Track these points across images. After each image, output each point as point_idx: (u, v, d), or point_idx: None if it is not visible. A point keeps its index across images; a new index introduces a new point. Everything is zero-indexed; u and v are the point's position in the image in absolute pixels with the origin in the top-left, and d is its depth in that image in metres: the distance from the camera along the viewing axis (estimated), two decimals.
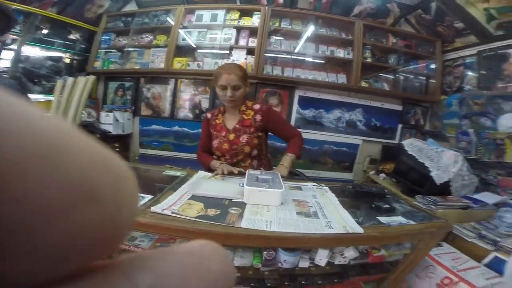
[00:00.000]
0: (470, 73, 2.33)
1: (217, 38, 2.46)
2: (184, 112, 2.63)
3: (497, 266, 1.31)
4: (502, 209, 1.63)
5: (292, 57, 2.51)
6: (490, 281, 1.24)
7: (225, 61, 2.43)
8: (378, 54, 2.56)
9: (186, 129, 2.63)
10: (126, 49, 2.64)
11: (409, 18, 2.61)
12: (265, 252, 0.94)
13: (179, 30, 2.47)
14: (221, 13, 2.47)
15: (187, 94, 2.60)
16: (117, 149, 2.53)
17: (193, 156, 2.57)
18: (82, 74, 2.55)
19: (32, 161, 0.07)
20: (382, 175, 2.38)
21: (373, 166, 2.65)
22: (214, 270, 0.11)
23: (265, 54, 2.39)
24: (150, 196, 0.96)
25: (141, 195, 0.96)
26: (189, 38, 2.49)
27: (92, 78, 2.49)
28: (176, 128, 2.63)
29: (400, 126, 2.74)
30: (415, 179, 1.95)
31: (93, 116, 2.57)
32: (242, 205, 0.94)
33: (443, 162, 1.92)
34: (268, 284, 1.03)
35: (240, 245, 0.97)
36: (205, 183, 1.13)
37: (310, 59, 2.52)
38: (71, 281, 0.09)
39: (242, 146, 1.42)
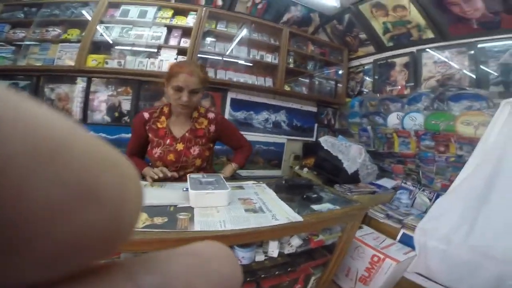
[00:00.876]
0: (368, 78, 2.81)
1: (143, 36, 2.25)
2: (100, 115, 2.30)
3: (407, 241, 1.64)
4: (399, 192, 2.04)
5: (225, 59, 2.52)
6: (407, 255, 1.55)
7: (165, 60, 2.25)
8: (298, 60, 2.84)
9: (103, 134, 2.30)
10: (24, 43, 2.16)
11: (326, 28, 2.97)
12: None
13: (99, 25, 2.17)
14: (151, 10, 2.27)
15: (103, 95, 2.28)
16: None
17: None
18: None
19: (34, 159, 0.07)
20: (305, 169, 2.67)
21: (297, 162, 2.94)
22: (219, 271, 0.11)
23: (198, 55, 2.32)
24: None
25: None
26: (109, 33, 2.20)
27: None
28: (91, 133, 2.28)
29: (316, 125, 3.12)
30: (331, 171, 2.28)
31: None
32: (189, 210, 0.92)
33: (351, 154, 2.31)
34: None
35: None
36: (150, 191, 1.05)
37: (242, 62, 2.59)
38: (75, 281, 0.09)
39: (192, 159, 1.28)
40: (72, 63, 2.12)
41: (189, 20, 2.34)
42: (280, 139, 2.92)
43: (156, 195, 1.03)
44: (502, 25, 1.72)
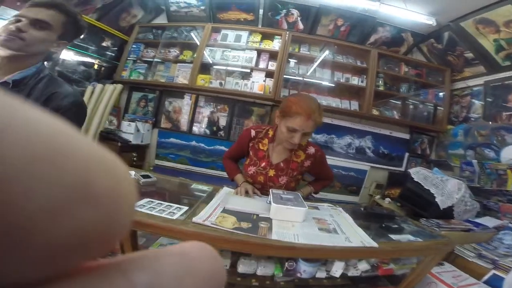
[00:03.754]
0: (477, 102, 2.43)
1: (239, 59, 2.60)
2: (202, 128, 2.77)
3: (495, 283, 1.38)
4: (502, 232, 1.72)
5: (308, 81, 2.67)
6: None
7: (255, 81, 2.52)
8: (389, 82, 2.72)
9: (202, 145, 2.76)
10: (154, 61, 2.77)
11: (421, 47, 2.76)
12: (286, 263, 1.03)
13: (206, 48, 2.62)
14: (244, 34, 2.62)
15: (207, 111, 2.75)
16: (134, 158, 2.66)
17: (209, 171, 2.71)
18: (109, 81, 2.66)
19: (28, 161, 0.07)
20: (388, 199, 2.47)
21: (379, 191, 2.74)
22: (206, 270, 0.12)
23: (284, 76, 2.52)
24: (186, 207, 1.06)
25: (178, 206, 1.07)
26: (213, 56, 2.64)
27: (119, 86, 2.67)
28: (194, 143, 2.76)
29: (407, 154, 2.86)
30: (419, 204, 2.05)
31: (114, 124, 2.72)
32: (268, 220, 1.05)
33: (447, 189, 2.03)
34: None
35: (267, 255, 1.06)
36: (232, 199, 1.24)
37: (326, 84, 2.67)
38: (69, 279, 0.09)
39: (278, 187, 1.34)
40: (186, 81, 2.61)
41: (275, 44, 2.59)
42: (363, 166, 2.80)
43: (243, 203, 1.20)
44: None
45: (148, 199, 1.08)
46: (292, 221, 1.06)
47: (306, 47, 2.68)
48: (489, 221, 1.84)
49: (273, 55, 2.59)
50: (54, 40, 0.89)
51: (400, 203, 2.26)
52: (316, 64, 2.64)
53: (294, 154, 1.36)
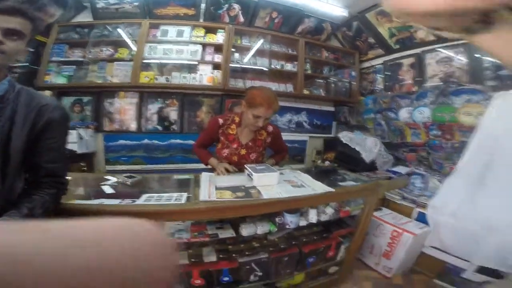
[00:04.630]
0: (379, 78, 3.07)
1: (183, 53, 2.61)
2: (152, 125, 2.74)
3: (422, 218, 1.92)
4: (413, 177, 2.32)
5: (250, 69, 2.90)
6: (423, 230, 1.85)
7: (204, 74, 2.59)
8: (314, 66, 3.19)
9: (156, 141, 2.74)
10: (84, 61, 2.55)
11: (337, 34, 3.29)
12: (276, 218, 1.33)
13: (145, 44, 2.54)
14: (187, 30, 2.63)
15: (155, 107, 2.73)
16: (84, 169, 2.49)
17: (168, 167, 2.76)
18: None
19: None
20: (327, 162, 2.99)
21: (319, 156, 3.28)
22: (147, 244, 0.14)
23: (230, 65, 2.68)
24: (185, 194, 1.22)
25: (178, 194, 1.22)
26: (155, 52, 2.58)
27: (47, 94, 2.41)
28: (146, 141, 2.72)
29: (334, 123, 3.47)
30: (351, 161, 2.60)
31: None
32: (254, 188, 1.30)
33: (368, 146, 2.63)
34: (282, 246, 1.43)
35: (266, 212, 1.31)
36: (218, 178, 1.44)
37: (266, 70, 2.97)
38: None
39: (250, 162, 1.59)
40: (128, 80, 2.51)
41: (219, 37, 2.70)
42: (303, 137, 3.29)
43: (229, 180, 1.42)
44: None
45: (147, 195, 1.20)
46: (271, 185, 1.35)
47: (247, 39, 2.89)
48: (402, 169, 2.44)
49: (217, 48, 2.71)
50: (24, 48, 0.85)
51: (337, 163, 2.79)
52: (258, 54, 2.89)
53: (258, 133, 1.65)
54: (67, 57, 2.55)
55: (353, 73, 3.30)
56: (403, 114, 2.48)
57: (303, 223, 1.39)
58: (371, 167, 2.48)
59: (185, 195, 1.20)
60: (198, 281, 1.32)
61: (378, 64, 3.07)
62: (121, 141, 2.70)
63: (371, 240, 2.03)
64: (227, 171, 1.53)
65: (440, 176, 2.16)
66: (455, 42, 2.19)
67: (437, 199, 1.86)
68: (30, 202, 0.80)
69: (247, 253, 1.36)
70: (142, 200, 1.14)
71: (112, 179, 1.45)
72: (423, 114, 2.28)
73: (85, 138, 2.48)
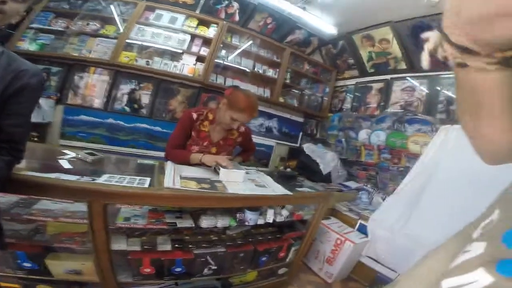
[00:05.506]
0: (348, 97, 3.30)
1: (171, 40, 2.57)
2: (121, 105, 2.63)
3: (363, 229, 2.11)
4: (360, 192, 2.58)
5: (233, 67, 2.94)
6: (362, 240, 2.02)
7: (186, 64, 2.57)
8: (294, 76, 3.33)
9: (121, 122, 2.62)
10: (67, 32, 2.41)
11: (322, 50, 3.46)
12: (237, 214, 1.38)
13: (135, 25, 2.47)
14: (181, 18, 2.59)
15: (127, 88, 2.61)
16: (35, 139, 2.31)
17: (130, 150, 2.66)
18: None
19: None
20: (289, 169, 3.14)
21: (282, 163, 3.43)
22: None
23: (215, 61, 2.69)
24: (148, 178, 1.22)
25: (141, 177, 1.21)
26: (143, 34, 2.51)
27: None
28: (110, 120, 2.59)
29: (301, 133, 3.65)
30: (310, 171, 2.78)
31: None
32: (220, 182, 1.35)
33: (327, 159, 2.84)
34: (239, 242, 1.49)
35: (230, 206, 1.35)
36: (185, 168, 1.46)
37: (248, 72, 3.02)
38: None
39: None
40: (106, 57, 2.41)
41: (210, 32, 2.71)
42: (270, 142, 3.41)
43: (196, 171, 1.45)
44: None
45: (108, 175, 1.17)
46: (236, 181, 1.41)
47: (237, 38, 2.92)
48: (353, 184, 2.70)
49: (206, 41, 2.70)
50: (22, 12, 0.83)
51: (297, 171, 2.95)
52: (240, 52, 2.94)
53: (230, 132, 1.67)
54: (50, 26, 2.41)
55: (327, 89, 3.51)
56: (362, 135, 2.72)
57: (261, 221, 1.46)
58: (327, 178, 2.69)
59: (148, 180, 1.20)
60: (147, 270, 1.29)
61: (350, 84, 3.30)
62: (83, 117, 2.54)
63: (318, 246, 2.17)
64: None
65: (383, 194, 2.42)
66: (422, 74, 2.44)
67: (377, 214, 2.08)
68: None
69: (204, 245, 1.38)
70: (102, 179, 1.10)
71: (71, 153, 1.38)
72: (379, 137, 2.53)
73: (43, 107, 2.31)
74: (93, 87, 2.54)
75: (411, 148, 2.28)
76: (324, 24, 2.81)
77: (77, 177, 1.06)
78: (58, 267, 1.18)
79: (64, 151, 1.41)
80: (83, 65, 2.50)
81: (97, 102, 2.57)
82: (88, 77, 2.53)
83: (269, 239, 1.62)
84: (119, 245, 1.18)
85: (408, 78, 2.60)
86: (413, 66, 2.57)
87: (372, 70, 3.01)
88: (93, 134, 2.58)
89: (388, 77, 2.81)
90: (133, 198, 1.04)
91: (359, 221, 2.19)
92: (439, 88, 2.33)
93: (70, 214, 1.13)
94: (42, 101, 2.26)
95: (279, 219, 1.53)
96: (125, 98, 2.62)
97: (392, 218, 1.96)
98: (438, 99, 2.33)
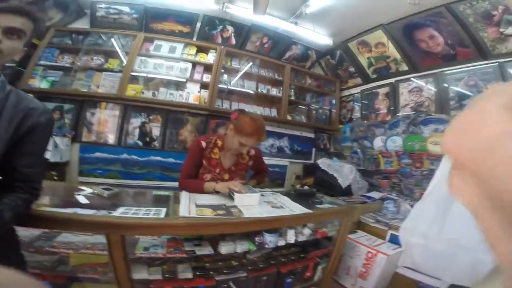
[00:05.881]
0: (356, 106, 3.25)
1: (173, 70, 2.65)
2: (133, 139, 2.70)
3: (395, 240, 1.98)
4: (386, 202, 2.42)
5: (237, 91, 2.99)
6: (395, 251, 1.89)
7: (191, 92, 2.63)
8: (298, 92, 3.34)
9: (135, 157, 2.68)
10: (73, 68, 2.52)
11: (321, 62, 3.49)
12: (256, 238, 1.32)
13: (137, 57, 2.56)
14: (179, 46, 2.69)
15: (137, 122, 2.69)
16: (55, 178, 2.37)
17: (145, 183, 2.67)
18: None
19: None
20: (306, 187, 3.05)
21: (298, 181, 3.35)
22: None
23: (219, 86, 2.75)
24: (164, 209, 1.20)
25: (156, 208, 1.19)
26: (145, 66, 2.60)
27: None
28: (125, 155, 2.64)
29: (314, 149, 3.58)
30: (328, 186, 2.69)
31: None
32: (235, 207, 1.31)
33: (344, 172, 2.74)
34: (261, 265, 1.42)
35: (246, 230, 1.29)
36: (199, 197, 1.43)
37: (252, 94, 3.06)
38: None
39: None
40: (114, 91, 2.49)
41: (210, 57, 2.79)
42: (283, 161, 3.36)
43: (210, 199, 1.42)
44: (457, 57, 2.21)
45: (124, 208, 1.17)
46: (252, 205, 1.37)
47: (237, 61, 3.01)
48: (376, 195, 2.56)
49: (207, 68, 2.77)
50: (22, 48, 0.84)
51: (315, 188, 2.86)
52: (241, 75, 3.00)
53: (241, 157, 1.66)
54: (56, 62, 2.52)
55: (333, 101, 3.49)
56: (377, 143, 2.64)
57: (281, 243, 1.39)
58: (347, 192, 2.58)
59: (164, 210, 1.18)
60: None
61: (356, 93, 3.27)
62: (98, 154, 2.61)
63: (347, 262, 2.04)
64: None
65: (411, 200, 2.27)
66: (425, 72, 2.40)
67: (408, 222, 1.94)
68: (0, 204, 0.77)
69: (225, 271, 1.33)
70: (119, 212, 1.10)
71: (87, 189, 1.40)
72: (395, 142, 2.44)
73: (60, 146, 2.39)
74: (105, 122, 2.63)
75: (432, 149, 2.17)
76: (318, 36, 2.86)
77: (94, 211, 1.09)
78: None
79: (81, 187, 1.43)
80: (93, 100, 2.59)
81: (111, 138, 2.65)
82: (99, 112, 2.62)
83: (292, 259, 1.54)
84: (140, 274, 1.19)
85: (413, 79, 2.54)
86: (415, 66, 2.53)
87: (374, 76, 2.98)
88: (109, 170, 2.63)
89: (392, 80, 2.78)
90: (150, 229, 1.03)
91: (389, 232, 2.06)
92: (446, 85, 2.27)
93: (91, 245, 1.17)
94: (58, 140, 2.35)
95: (301, 238, 1.46)
96: (137, 132, 2.69)
97: (424, 224, 1.82)
98: (448, 96, 2.27)
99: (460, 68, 2.23)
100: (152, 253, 1.19)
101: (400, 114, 2.62)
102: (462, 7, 1.99)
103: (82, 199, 1.26)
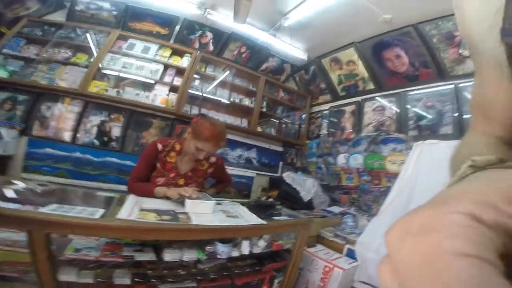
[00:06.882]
0: (324, 123, 3.33)
1: (143, 70, 2.56)
2: (90, 137, 2.51)
3: (351, 254, 2.01)
4: (345, 217, 2.45)
5: (209, 98, 2.93)
6: (351, 265, 1.91)
7: (158, 94, 2.55)
8: (270, 104, 3.38)
9: (89, 156, 2.47)
10: (37, 60, 2.35)
11: (295, 77, 3.56)
12: (207, 247, 1.24)
13: (107, 54, 2.46)
14: (154, 47, 2.61)
15: (97, 120, 2.52)
16: None
17: (97, 185, 2.47)
18: None
19: None
20: (271, 199, 3.04)
21: (264, 193, 3.32)
22: None
23: (189, 91, 2.68)
24: (102, 210, 1.09)
25: (94, 209, 1.09)
26: (114, 63, 2.49)
27: None
28: (78, 154, 2.43)
29: (281, 163, 3.60)
30: (292, 199, 2.69)
31: None
32: (185, 214, 1.23)
33: (307, 186, 2.77)
34: (211, 276, 1.32)
35: (193, 238, 1.20)
36: (147, 200, 1.34)
37: (224, 102, 3.02)
38: None
39: None
40: (75, 86, 2.34)
41: (184, 61, 2.73)
42: (251, 173, 3.32)
43: (159, 203, 1.33)
44: (420, 78, 2.31)
45: (57, 205, 1.05)
46: (204, 213, 1.29)
47: (212, 68, 2.97)
48: (336, 209, 2.61)
49: (180, 71, 2.71)
50: None
51: (280, 201, 2.85)
52: (219, 85, 2.97)
53: (200, 163, 1.58)
54: (20, 52, 2.36)
55: (303, 116, 3.55)
56: (340, 159, 2.72)
57: (235, 254, 1.32)
58: (309, 206, 2.59)
59: (102, 211, 1.08)
60: None
61: (325, 110, 3.36)
62: (48, 150, 2.38)
63: (306, 276, 2.02)
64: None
65: (368, 216, 2.33)
66: (389, 92, 2.52)
67: (364, 236, 1.98)
68: None
69: (169, 279, 1.22)
70: (48, 209, 0.99)
71: (21, 184, 1.25)
72: (357, 160, 2.53)
73: (5, 138, 2.15)
74: (61, 118, 2.43)
75: (389, 168, 2.27)
76: (294, 49, 2.94)
77: (18, 205, 1.00)
78: None
79: (14, 181, 1.27)
80: (51, 94, 2.41)
81: (65, 135, 2.44)
82: (56, 107, 2.42)
83: (248, 272, 1.46)
84: (68, 276, 1.05)
85: (377, 98, 2.67)
86: (380, 86, 2.64)
87: (343, 93, 3.07)
88: (58, 168, 2.41)
89: (359, 98, 2.87)
90: (78, 228, 0.91)
91: (346, 246, 2.09)
92: (408, 106, 2.40)
93: (11, 242, 1.02)
94: (3, 131, 2.12)
95: (256, 250, 1.40)
96: (95, 130, 2.51)
97: (378, 239, 1.87)
98: (407, 116, 2.38)
99: (421, 88, 2.33)
100: (84, 255, 1.06)
101: (363, 133, 2.72)
102: (428, 28, 2.08)
103: (10, 193, 1.11)
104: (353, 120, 2.91)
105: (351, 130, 2.92)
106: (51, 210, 0.98)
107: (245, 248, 1.36)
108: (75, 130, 2.46)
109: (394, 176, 2.17)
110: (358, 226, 2.36)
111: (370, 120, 2.73)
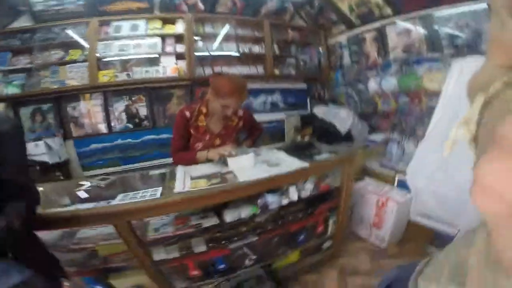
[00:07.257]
0: (345, 52, 3.05)
1: (141, 47, 2.48)
2: (122, 124, 2.64)
3: (403, 185, 1.89)
4: (390, 144, 2.32)
5: (219, 56, 2.82)
6: (405, 197, 1.84)
7: (167, 66, 2.51)
8: (282, 46, 3.14)
9: (129, 140, 2.65)
10: (35, 67, 2.35)
11: (300, 12, 3.24)
12: (258, 200, 1.34)
13: (98, 43, 2.38)
14: (141, 23, 2.49)
15: (122, 106, 2.61)
16: (61, 178, 2.38)
17: (145, 164, 2.68)
18: None
19: None
20: (306, 137, 3.06)
21: (297, 133, 3.32)
22: None
23: (195, 54, 2.59)
24: (159, 188, 1.20)
25: (152, 189, 1.19)
26: (110, 50, 2.43)
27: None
28: (119, 141, 2.62)
29: (308, 99, 3.49)
30: (328, 135, 2.67)
31: None
32: (230, 172, 1.30)
33: (341, 117, 2.69)
34: (269, 227, 1.45)
35: (244, 195, 1.27)
36: (193, 168, 1.43)
37: (235, 55, 2.89)
38: None
39: None
40: (85, 81, 2.36)
41: (178, 28, 2.58)
42: (279, 116, 3.29)
43: (206, 168, 1.41)
44: None
45: (122, 194, 1.17)
46: (247, 167, 1.36)
47: (210, 26, 2.78)
48: (378, 137, 2.50)
49: (179, 38, 2.59)
50: None
51: (316, 137, 2.85)
52: (224, 39, 2.80)
53: (229, 119, 1.59)
54: (14, 65, 2.34)
55: (321, 50, 3.31)
56: (372, 85, 2.54)
57: (285, 202, 1.40)
58: (348, 138, 2.56)
59: (160, 189, 1.19)
60: (195, 272, 1.33)
61: (343, 40, 3.06)
62: (93, 145, 2.58)
63: (359, 211, 2.03)
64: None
65: (415, 140, 2.18)
66: (411, 15, 2.19)
67: (414, 164, 1.82)
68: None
69: (235, 238, 1.37)
70: (117, 200, 1.11)
71: (86, 183, 1.40)
72: (390, 83, 2.34)
73: (54, 147, 2.36)
74: (89, 113, 2.54)
75: (428, 86, 2.06)
76: None
77: (93, 204, 1.10)
78: (122, 284, 1.27)
79: (81, 182, 1.43)
80: (69, 95, 2.47)
81: (101, 127, 2.59)
82: (80, 105, 2.52)
83: (300, 217, 1.55)
84: (159, 255, 1.23)
85: (398, 21, 2.32)
86: (399, 9, 2.29)
87: (358, 21, 2.75)
88: (109, 159, 2.63)
89: (378, 24, 2.54)
90: (147, 212, 1.04)
91: (397, 178, 1.99)
92: (435, 27, 2.05)
93: (106, 236, 1.20)
94: (49, 141, 2.30)
95: (304, 194, 1.46)
96: (124, 116, 2.62)
97: (431, 165, 1.67)
98: (439, 36, 2.05)
99: (447, 8, 1.95)
100: (163, 233, 1.23)
101: (391, 56, 2.44)
102: None
103: (82, 194, 1.26)
104: (377, 46, 2.61)
105: (377, 56, 2.62)
106: (120, 201, 1.10)
107: (293, 194, 1.42)
108: (107, 120, 2.58)
109: (435, 94, 1.94)
110: (405, 153, 2.21)
111: (395, 44, 2.40)
